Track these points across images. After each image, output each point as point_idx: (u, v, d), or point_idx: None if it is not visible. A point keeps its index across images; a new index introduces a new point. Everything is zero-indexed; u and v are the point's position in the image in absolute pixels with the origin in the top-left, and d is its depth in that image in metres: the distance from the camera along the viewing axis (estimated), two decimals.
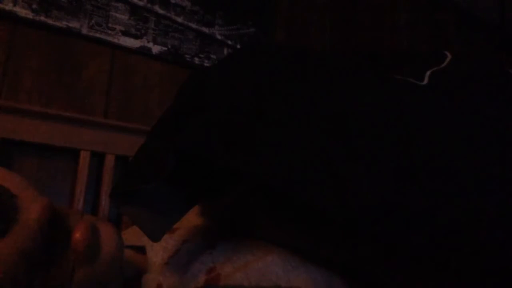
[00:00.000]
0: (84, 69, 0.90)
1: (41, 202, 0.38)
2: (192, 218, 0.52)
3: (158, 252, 0.48)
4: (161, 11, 1.01)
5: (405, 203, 0.32)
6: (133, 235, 0.54)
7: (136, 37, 0.96)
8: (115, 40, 0.93)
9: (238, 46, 1.13)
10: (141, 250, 0.50)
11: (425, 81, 0.43)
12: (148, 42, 0.98)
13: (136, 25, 0.97)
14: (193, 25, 1.05)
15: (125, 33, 0.95)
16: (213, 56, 1.08)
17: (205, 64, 1.06)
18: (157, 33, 1.00)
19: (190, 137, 0.38)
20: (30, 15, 0.83)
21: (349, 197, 0.32)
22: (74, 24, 0.88)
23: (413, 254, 0.32)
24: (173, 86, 1.01)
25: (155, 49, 0.99)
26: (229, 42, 1.11)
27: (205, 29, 1.07)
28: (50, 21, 0.85)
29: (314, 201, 0.33)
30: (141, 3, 0.98)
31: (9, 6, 0.81)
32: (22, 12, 0.82)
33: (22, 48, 0.83)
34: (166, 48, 1.01)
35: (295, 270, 0.39)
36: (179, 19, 1.03)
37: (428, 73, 0.44)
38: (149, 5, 0.99)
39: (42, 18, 0.85)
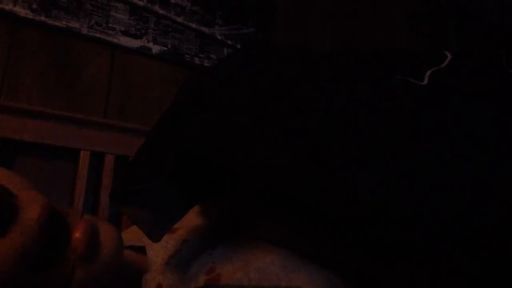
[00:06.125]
0: (84, 69, 0.90)
1: (41, 202, 0.38)
2: (192, 218, 0.52)
3: (158, 252, 0.48)
4: (161, 11, 1.01)
5: (405, 203, 0.32)
6: (133, 235, 0.54)
7: (136, 37, 0.96)
8: (115, 40, 0.93)
9: (238, 46, 1.13)
10: (141, 250, 0.50)
11: (425, 81, 0.43)
12: (148, 42, 0.98)
13: (136, 25, 0.97)
14: (193, 25, 1.05)
15: (125, 33, 0.95)
16: (213, 56, 1.08)
17: (205, 64, 1.06)
18: (157, 33, 1.00)
19: (189, 137, 0.38)
20: (30, 15, 0.83)
21: (349, 197, 0.32)
22: (74, 24, 0.88)
23: (413, 254, 0.32)
24: (173, 86, 1.01)
25: (155, 49, 0.99)
26: (229, 42, 1.11)
27: (205, 29, 1.07)
28: (50, 21, 0.85)
29: (313, 201, 0.33)
30: (141, 3, 0.98)
31: (9, 6, 0.81)
32: (22, 12, 0.82)
33: (22, 48, 0.83)
34: (166, 48, 1.01)
35: (295, 270, 0.39)
36: (179, 19, 1.03)
37: (428, 73, 0.44)
38: (149, 5, 0.99)
39: (42, 18, 0.85)
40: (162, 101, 0.99)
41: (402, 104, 0.38)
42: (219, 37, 1.10)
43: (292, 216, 0.39)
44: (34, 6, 0.84)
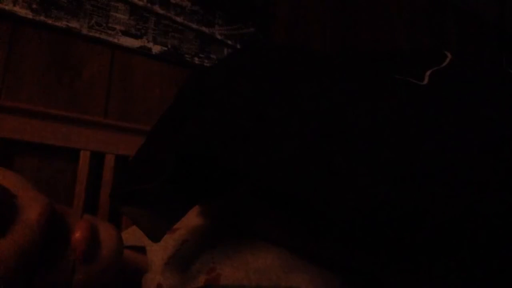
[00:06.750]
0: (84, 69, 0.90)
1: (41, 202, 0.38)
2: (192, 218, 0.52)
3: (158, 252, 0.48)
4: (161, 11, 1.01)
5: (405, 203, 0.32)
6: (133, 235, 0.54)
7: (136, 37, 0.96)
8: (115, 40, 0.93)
9: (238, 46, 1.13)
10: (141, 250, 0.50)
11: (425, 81, 0.43)
12: (148, 42, 0.98)
13: (136, 25, 0.97)
14: (193, 25, 1.05)
15: (125, 33, 0.95)
16: (213, 56, 1.08)
17: (205, 64, 1.06)
18: (157, 33, 1.00)
19: (189, 137, 0.38)
20: (30, 14, 0.83)
21: (349, 197, 0.32)
22: (74, 24, 0.88)
23: (413, 253, 0.32)
24: (173, 86, 1.01)
25: (155, 49, 0.99)
26: (229, 42, 1.11)
27: (205, 29, 1.07)
28: (50, 21, 0.85)
29: (313, 201, 0.33)
30: (141, 3, 0.98)
31: (9, 6, 0.81)
32: (22, 12, 0.82)
33: (22, 48, 0.83)
34: (166, 48, 1.01)
35: (295, 270, 0.39)
36: (179, 19, 1.03)
37: (428, 73, 0.44)
38: (149, 5, 0.99)
39: (42, 18, 0.85)
40: (162, 101, 0.99)
41: (402, 104, 0.38)
42: (219, 37, 1.10)
43: (292, 216, 0.39)
44: (34, 6, 0.84)
